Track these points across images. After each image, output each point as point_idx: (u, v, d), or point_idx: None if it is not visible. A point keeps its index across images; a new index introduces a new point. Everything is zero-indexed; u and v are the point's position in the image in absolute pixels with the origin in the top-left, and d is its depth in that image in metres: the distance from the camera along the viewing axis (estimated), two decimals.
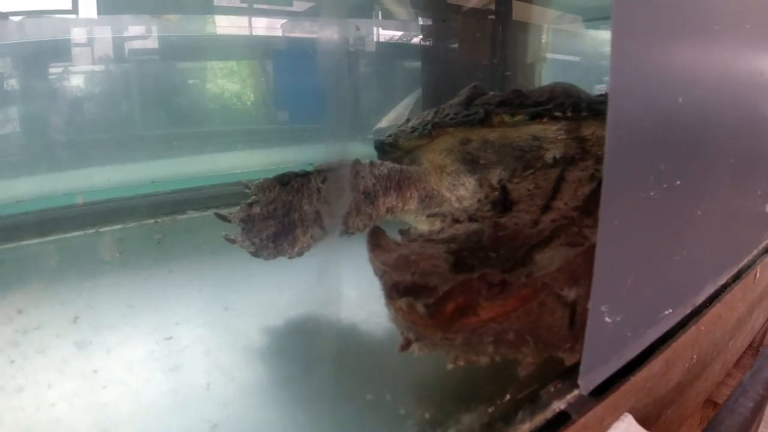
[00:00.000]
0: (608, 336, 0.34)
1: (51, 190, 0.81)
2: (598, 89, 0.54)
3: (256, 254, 0.50)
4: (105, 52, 0.94)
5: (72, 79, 0.94)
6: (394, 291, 0.29)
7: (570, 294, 0.32)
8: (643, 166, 0.33)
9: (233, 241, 0.50)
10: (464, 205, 0.52)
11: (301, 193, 0.51)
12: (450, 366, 0.32)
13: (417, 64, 1.31)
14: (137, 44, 0.99)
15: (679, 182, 0.36)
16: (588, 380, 0.34)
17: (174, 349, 0.43)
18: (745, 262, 0.57)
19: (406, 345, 0.31)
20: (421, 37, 1.29)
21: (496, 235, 0.35)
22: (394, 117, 1.21)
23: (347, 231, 0.52)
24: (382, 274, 0.32)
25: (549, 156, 0.51)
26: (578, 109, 0.50)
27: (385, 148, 0.64)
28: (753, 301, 0.60)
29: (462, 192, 0.56)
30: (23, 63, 0.86)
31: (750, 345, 0.66)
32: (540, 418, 0.33)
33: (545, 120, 0.51)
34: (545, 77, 1.40)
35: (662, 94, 0.34)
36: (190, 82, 1.14)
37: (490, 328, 0.30)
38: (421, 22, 1.30)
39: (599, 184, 0.42)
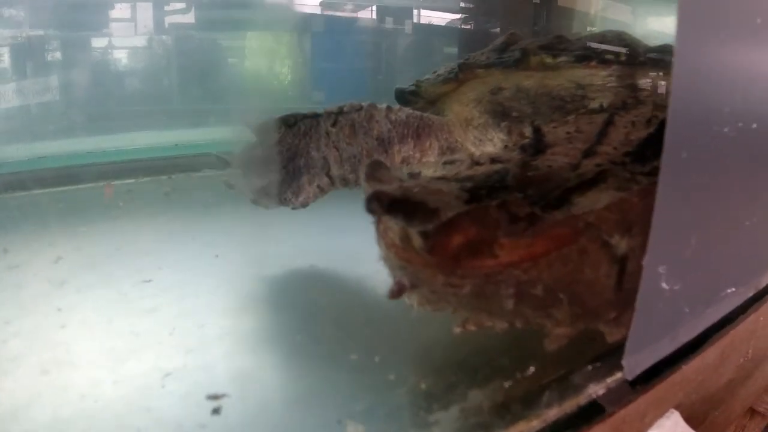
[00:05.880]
0: (663, 308, 0.28)
1: (75, 150, 0.81)
2: None
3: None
4: (145, 23, 0.93)
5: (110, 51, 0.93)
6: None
7: (621, 244, 0.25)
8: (718, 95, 0.27)
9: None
10: None
11: (308, 137, 0.46)
12: (457, 329, 0.26)
13: (453, 49, 1.25)
14: (177, 17, 0.98)
15: (755, 125, 0.30)
16: (634, 363, 0.28)
17: (149, 293, 0.41)
18: None
19: (398, 291, 0.24)
20: (461, 19, 1.24)
21: (524, 175, 0.28)
22: None
23: (354, 182, 0.46)
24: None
25: (594, 105, 0.44)
26: (635, 53, 0.42)
27: (406, 96, 0.58)
28: None
29: (490, 148, 0.49)
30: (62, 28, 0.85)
31: None
32: (572, 404, 0.26)
33: (593, 63, 0.44)
34: None
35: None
36: (230, 60, 1.12)
37: (511, 276, 0.23)
38: (462, 4, 1.24)
39: (660, 127, 0.35)
